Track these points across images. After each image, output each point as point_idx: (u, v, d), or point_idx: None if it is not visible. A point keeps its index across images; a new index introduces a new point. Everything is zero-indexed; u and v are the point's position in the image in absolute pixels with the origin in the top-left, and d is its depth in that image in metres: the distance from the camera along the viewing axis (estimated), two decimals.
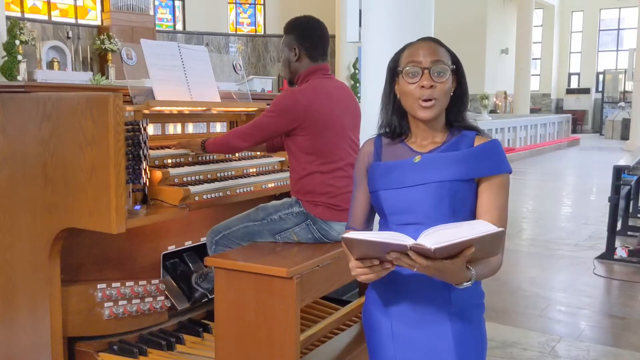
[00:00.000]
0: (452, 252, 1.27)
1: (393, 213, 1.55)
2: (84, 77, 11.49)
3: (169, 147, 2.67)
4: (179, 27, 16.81)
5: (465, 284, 1.37)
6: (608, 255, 5.28)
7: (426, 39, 1.58)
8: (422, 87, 1.50)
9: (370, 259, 1.35)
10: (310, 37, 2.56)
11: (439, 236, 1.26)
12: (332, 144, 2.47)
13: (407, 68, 1.52)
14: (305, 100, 2.43)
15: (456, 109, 1.59)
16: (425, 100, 1.50)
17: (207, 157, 2.79)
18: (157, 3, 16.21)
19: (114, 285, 2.50)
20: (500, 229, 1.27)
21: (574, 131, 21.21)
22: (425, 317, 1.53)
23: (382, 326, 1.59)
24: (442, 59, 1.52)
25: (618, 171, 5.32)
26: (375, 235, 1.31)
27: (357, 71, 13.35)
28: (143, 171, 2.21)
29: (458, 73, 1.57)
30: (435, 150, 1.56)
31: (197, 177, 2.61)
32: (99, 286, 2.46)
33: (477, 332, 1.57)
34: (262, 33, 18.12)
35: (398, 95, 1.58)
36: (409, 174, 1.53)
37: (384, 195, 1.56)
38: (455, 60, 1.57)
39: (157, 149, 2.60)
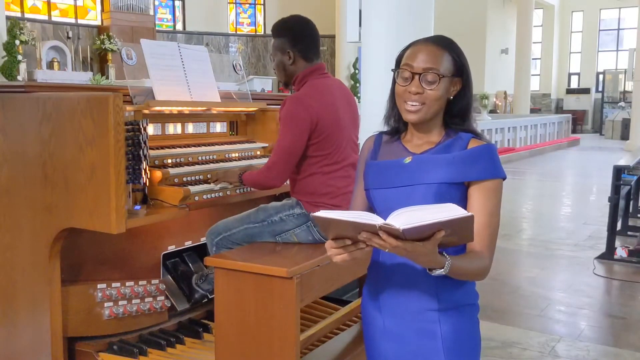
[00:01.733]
0: (423, 235, 1.27)
1: (383, 212, 1.55)
2: (84, 77, 11.51)
3: (169, 147, 2.67)
4: (179, 27, 16.82)
5: (439, 270, 1.35)
6: (608, 255, 5.28)
7: (431, 40, 1.56)
8: (410, 92, 1.51)
9: (344, 238, 1.35)
10: (302, 39, 2.53)
11: (408, 217, 1.26)
12: (336, 145, 2.46)
13: (400, 70, 1.53)
14: (316, 103, 2.42)
15: (457, 112, 1.57)
16: (411, 105, 1.51)
17: (207, 157, 2.79)
18: (157, 3, 16.22)
19: (114, 285, 2.50)
20: (470, 213, 1.26)
21: (574, 131, 21.22)
22: (414, 316, 1.53)
23: (376, 322, 1.60)
24: (436, 67, 1.50)
25: (618, 171, 5.32)
26: (346, 214, 1.31)
27: (357, 71, 13.35)
28: (143, 171, 2.20)
29: (463, 77, 1.55)
30: (428, 151, 1.56)
31: (197, 177, 2.61)
32: (99, 286, 2.46)
33: (468, 333, 1.56)
34: (262, 33, 18.13)
35: None
36: (398, 174, 1.54)
37: (374, 194, 1.58)
38: (459, 65, 1.54)
39: (157, 149, 2.60)
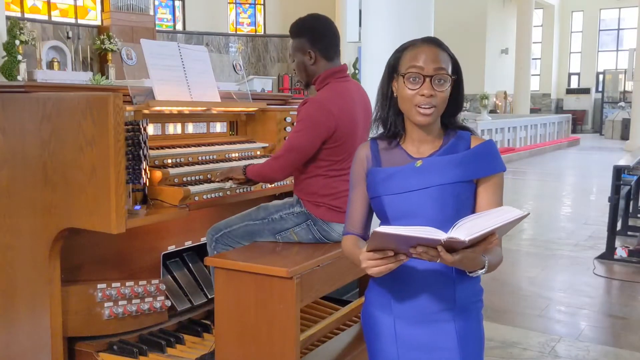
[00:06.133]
0: (477, 240, 1.29)
1: (396, 218, 1.55)
2: (84, 77, 11.50)
3: (169, 147, 2.67)
4: (179, 27, 16.81)
5: (480, 271, 1.39)
6: (608, 255, 5.28)
7: (429, 41, 1.56)
8: (422, 95, 1.50)
9: (384, 250, 1.34)
10: (322, 38, 2.51)
11: (471, 227, 1.27)
12: (348, 152, 2.42)
13: (409, 73, 1.51)
14: (337, 110, 2.39)
15: (452, 112, 1.60)
16: (424, 108, 1.50)
17: (207, 157, 2.79)
18: (157, 3, 16.21)
19: (114, 285, 2.50)
20: (527, 212, 1.30)
21: (574, 131, 21.21)
22: (429, 316, 1.54)
23: (384, 327, 1.59)
24: (444, 67, 1.51)
25: (618, 171, 5.32)
26: (409, 230, 1.28)
27: (357, 71, 13.35)
28: (143, 171, 2.20)
29: (457, 76, 1.57)
30: (434, 154, 1.57)
31: (197, 177, 2.61)
32: (99, 286, 2.46)
33: (477, 328, 1.60)
34: (262, 33, 18.12)
35: (395, 94, 1.58)
36: (411, 178, 1.54)
37: (387, 201, 1.56)
38: (455, 65, 1.56)
39: (157, 149, 2.60)
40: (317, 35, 2.51)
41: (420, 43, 1.55)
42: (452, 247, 1.28)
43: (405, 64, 1.53)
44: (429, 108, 1.50)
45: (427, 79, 1.49)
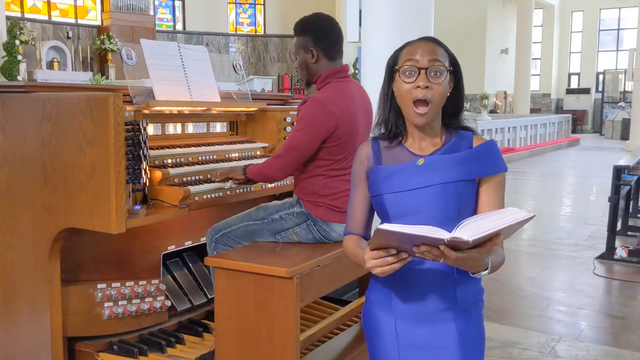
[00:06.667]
0: (481, 241, 1.29)
1: (398, 216, 1.55)
2: (84, 77, 11.51)
3: (169, 147, 2.67)
4: (179, 27, 16.83)
5: (483, 272, 1.39)
6: (608, 255, 5.28)
7: (426, 38, 1.58)
8: (418, 87, 1.50)
9: (388, 248, 1.35)
10: (326, 37, 2.51)
11: (475, 227, 1.27)
12: (348, 152, 2.43)
13: (404, 67, 1.52)
14: (338, 110, 2.39)
15: (452, 111, 1.60)
16: (421, 107, 1.50)
17: (207, 157, 2.79)
18: (157, 3, 16.22)
19: (114, 285, 2.50)
20: (533, 214, 1.30)
21: (574, 131, 21.22)
22: (431, 316, 1.54)
23: (385, 327, 1.59)
24: (439, 59, 1.52)
25: (618, 171, 5.32)
26: (413, 228, 1.29)
27: (357, 71, 13.34)
28: (143, 171, 2.20)
29: (456, 75, 1.57)
30: (436, 152, 1.57)
31: (197, 177, 2.61)
32: (99, 286, 2.47)
33: (477, 328, 1.60)
34: (262, 33, 18.13)
35: (395, 94, 1.58)
36: (412, 176, 1.54)
37: (388, 199, 1.56)
38: (453, 62, 1.57)
39: (157, 149, 2.60)
40: (320, 34, 2.51)
41: (416, 41, 1.57)
42: (455, 247, 1.28)
43: (401, 60, 1.55)
44: (423, 105, 1.50)
45: (422, 71, 1.50)
